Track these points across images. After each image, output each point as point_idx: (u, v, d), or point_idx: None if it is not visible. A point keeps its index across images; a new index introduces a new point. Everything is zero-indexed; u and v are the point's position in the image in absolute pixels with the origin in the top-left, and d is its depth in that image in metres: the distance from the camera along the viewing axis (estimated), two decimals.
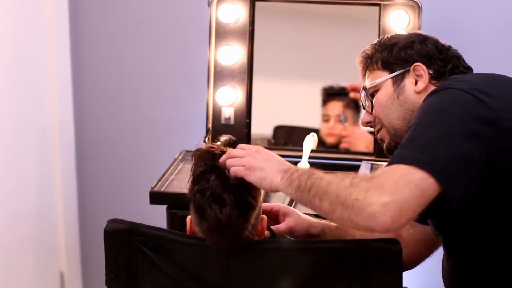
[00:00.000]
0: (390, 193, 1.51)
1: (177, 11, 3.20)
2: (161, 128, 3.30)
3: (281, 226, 1.93)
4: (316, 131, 2.85)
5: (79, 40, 3.25)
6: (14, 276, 3.02)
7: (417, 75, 1.84)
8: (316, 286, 1.68)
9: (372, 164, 2.62)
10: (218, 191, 1.68)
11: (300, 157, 2.72)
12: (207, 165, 1.72)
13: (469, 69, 1.88)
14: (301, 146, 2.77)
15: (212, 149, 1.76)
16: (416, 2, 2.72)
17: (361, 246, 1.66)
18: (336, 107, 2.87)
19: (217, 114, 2.84)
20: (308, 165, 2.66)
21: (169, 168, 2.56)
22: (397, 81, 1.85)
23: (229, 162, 1.70)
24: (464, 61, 1.89)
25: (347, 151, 2.83)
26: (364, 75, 1.92)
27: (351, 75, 2.89)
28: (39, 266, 3.18)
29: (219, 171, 1.70)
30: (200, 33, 2.97)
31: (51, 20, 3.09)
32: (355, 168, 2.61)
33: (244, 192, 1.70)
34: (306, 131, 2.85)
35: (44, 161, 3.16)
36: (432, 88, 1.79)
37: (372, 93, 1.88)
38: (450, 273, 1.82)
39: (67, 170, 3.27)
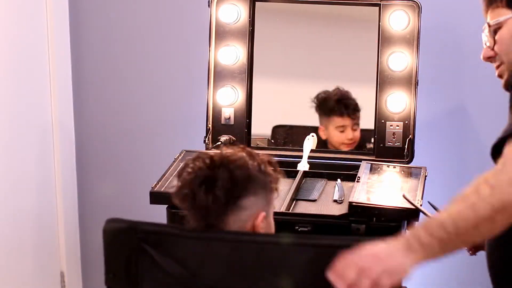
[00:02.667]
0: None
1: (177, 11, 3.20)
2: (161, 128, 3.30)
3: None
4: (315, 130, 2.85)
5: (79, 40, 3.25)
6: (14, 276, 3.02)
7: None
8: (315, 282, 1.68)
9: (372, 164, 2.62)
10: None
11: (299, 157, 2.73)
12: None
13: None
14: (300, 146, 2.78)
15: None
16: (416, 2, 2.72)
17: (359, 244, 1.66)
18: (348, 117, 2.86)
19: (217, 114, 2.85)
20: (308, 165, 2.66)
21: (169, 168, 2.56)
22: None
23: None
24: None
25: (347, 151, 2.83)
26: (486, 10, 1.95)
27: (351, 75, 2.90)
28: (39, 266, 3.18)
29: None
30: (200, 33, 2.97)
31: (51, 20, 3.09)
32: (355, 168, 2.61)
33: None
34: (306, 130, 2.86)
35: (44, 161, 3.16)
36: None
37: (495, 30, 1.91)
38: None
39: (67, 170, 3.27)
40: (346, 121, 2.85)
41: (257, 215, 1.79)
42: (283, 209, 2.34)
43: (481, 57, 1.98)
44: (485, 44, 1.96)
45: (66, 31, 3.19)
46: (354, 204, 2.29)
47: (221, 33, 2.84)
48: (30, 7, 3.01)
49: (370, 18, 2.78)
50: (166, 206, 2.40)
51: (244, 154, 1.80)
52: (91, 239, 3.35)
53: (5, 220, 2.93)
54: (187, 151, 2.69)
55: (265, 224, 1.81)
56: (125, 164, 3.35)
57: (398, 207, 2.27)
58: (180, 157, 2.65)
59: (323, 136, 2.86)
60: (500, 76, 1.95)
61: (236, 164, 1.77)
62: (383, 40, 2.76)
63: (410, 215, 2.26)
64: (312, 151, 2.75)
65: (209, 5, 2.83)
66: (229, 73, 2.85)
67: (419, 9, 2.72)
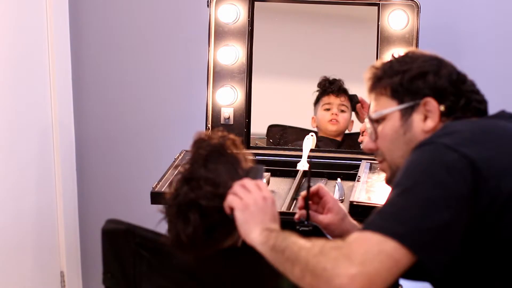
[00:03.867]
0: (358, 264, 1.44)
1: (176, 11, 3.21)
2: (161, 128, 3.30)
3: (323, 219, 1.92)
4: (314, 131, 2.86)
5: (79, 40, 3.26)
6: (15, 276, 3.02)
7: (427, 111, 1.67)
8: None
9: (371, 163, 2.63)
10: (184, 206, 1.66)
11: (298, 156, 2.73)
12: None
13: (483, 102, 1.72)
14: (299, 145, 2.78)
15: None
16: (415, 2, 2.73)
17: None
18: (337, 98, 2.87)
19: (216, 114, 2.85)
20: (308, 165, 2.67)
21: (169, 168, 2.56)
22: (405, 114, 1.70)
23: (230, 197, 1.65)
24: (478, 93, 1.72)
25: (347, 151, 2.83)
26: (370, 93, 1.77)
27: (350, 74, 2.90)
28: (39, 265, 3.18)
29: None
30: (199, 33, 2.98)
31: (51, 20, 3.09)
32: (355, 167, 2.62)
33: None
34: (304, 130, 2.87)
35: (44, 161, 3.16)
36: (440, 126, 1.67)
37: (377, 120, 1.73)
38: None
39: (67, 170, 3.27)
40: (331, 99, 2.86)
41: None
42: (283, 209, 2.34)
43: (362, 147, 1.86)
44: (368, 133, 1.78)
45: (66, 31, 3.19)
46: (355, 203, 2.29)
47: (220, 33, 2.85)
48: (30, 7, 3.01)
49: (369, 17, 2.79)
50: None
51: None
52: (91, 239, 3.36)
53: (5, 220, 2.93)
54: (187, 151, 2.70)
55: None
56: (125, 164, 3.35)
57: None
58: (180, 157, 2.65)
59: (313, 124, 2.89)
60: (382, 170, 1.79)
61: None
62: (382, 39, 2.77)
63: None
64: (311, 150, 2.75)
65: (208, 5, 2.83)
66: (229, 73, 2.85)
67: (418, 9, 2.72)
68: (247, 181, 1.67)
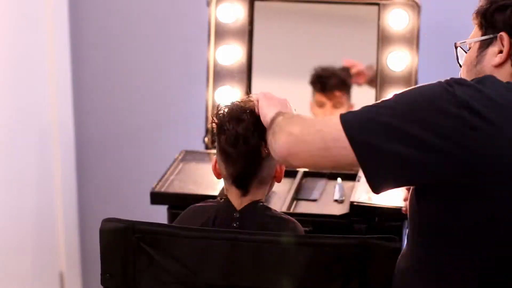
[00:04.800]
0: (299, 127, 1.59)
1: (176, 11, 3.21)
2: (161, 128, 3.30)
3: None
4: None
5: (79, 40, 3.26)
6: (14, 276, 3.02)
7: (501, 45, 1.64)
8: (315, 281, 1.69)
9: None
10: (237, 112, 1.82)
11: None
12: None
13: None
14: None
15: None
16: (415, 1, 2.72)
17: (360, 243, 1.67)
18: (331, 93, 2.86)
19: None
20: None
21: (169, 168, 2.56)
22: (483, 46, 1.68)
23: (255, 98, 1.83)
24: None
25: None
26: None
27: None
28: (39, 266, 3.18)
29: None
30: (199, 33, 2.97)
31: (51, 20, 3.09)
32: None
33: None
34: None
35: (44, 161, 3.16)
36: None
37: (463, 49, 1.74)
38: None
39: (67, 170, 3.27)
40: (323, 98, 2.85)
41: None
42: (284, 209, 2.34)
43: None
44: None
45: (66, 31, 3.19)
46: (355, 204, 2.29)
47: (220, 33, 2.84)
48: (30, 7, 3.01)
49: (369, 17, 2.78)
50: (167, 206, 2.40)
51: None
52: (91, 239, 3.35)
53: (5, 220, 2.93)
54: (187, 151, 2.69)
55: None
56: (125, 164, 3.35)
57: (399, 207, 2.27)
58: (180, 157, 2.65)
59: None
60: None
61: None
62: (383, 39, 2.76)
63: None
64: None
65: (208, 5, 2.83)
66: (228, 72, 2.85)
67: (418, 8, 2.72)
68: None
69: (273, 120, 1.70)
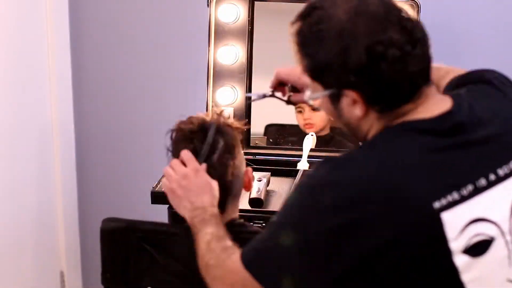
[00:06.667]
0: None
1: (176, 11, 3.21)
2: (161, 127, 3.29)
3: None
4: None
5: (79, 40, 3.26)
6: (14, 276, 3.02)
7: (350, 98, 1.46)
8: None
9: None
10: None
11: (298, 156, 2.73)
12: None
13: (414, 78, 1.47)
14: (297, 145, 2.78)
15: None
16: (415, 1, 2.72)
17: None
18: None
19: None
20: (308, 165, 2.67)
21: None
22: (333, 99, 1.50)
23: (163, 180, 1.82)
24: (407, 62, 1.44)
25: (346, 150, 2.82)
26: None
27: None
28: (39, 265, 3.18)
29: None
30: (199, 33, 2.97)
31: (51, 20, 3.09)
32: None
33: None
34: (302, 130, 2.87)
35: (44, 160, 3.16)
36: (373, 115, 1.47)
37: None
38: None
39: (67, 169, 3.27)
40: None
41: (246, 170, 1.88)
42: None
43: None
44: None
45: (66, 31, 3.19)
46: None
47: (220, 33, 2.84)
48: (30, 7, 3.01)
49: None
50: (167, 206, 2.40)
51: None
52: (91, 239, 3.35)
53: (5, 220, 2.93)
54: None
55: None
56: (125, 164, 3.35)
57: None
58: None
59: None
60: None
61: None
62: None
63: None
64: (311, 150, 2.75)
65: (208, 5, 2.83)
66: (229, 72, 2.85)
67: (418, 8, 2.72)
68: (166, 169, 1.84)
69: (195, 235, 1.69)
